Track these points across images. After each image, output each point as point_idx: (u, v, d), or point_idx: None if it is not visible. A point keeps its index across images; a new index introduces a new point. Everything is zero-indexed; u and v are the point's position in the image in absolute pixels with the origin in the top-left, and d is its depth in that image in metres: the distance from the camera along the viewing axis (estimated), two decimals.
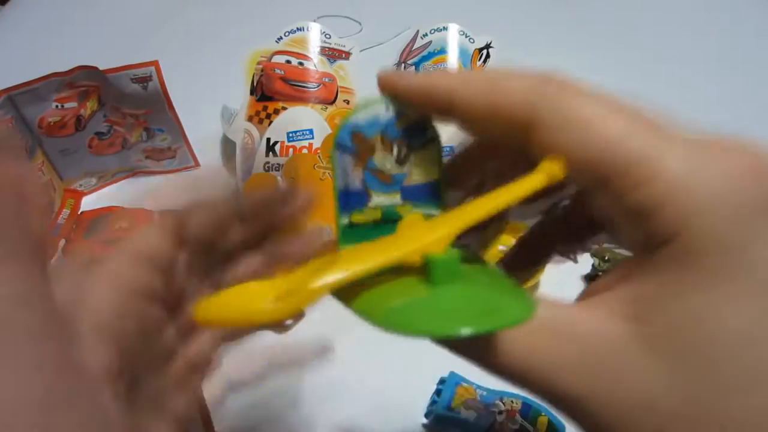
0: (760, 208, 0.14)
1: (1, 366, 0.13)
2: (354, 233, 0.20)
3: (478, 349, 0.17)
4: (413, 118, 0.20)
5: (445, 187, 0.21)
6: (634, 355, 0.14)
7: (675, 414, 0.14)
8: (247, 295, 0.16)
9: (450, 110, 0.18)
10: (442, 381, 0.44)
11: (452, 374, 0.44)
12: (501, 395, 0.43)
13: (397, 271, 0.17)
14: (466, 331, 0.14)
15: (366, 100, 0.20)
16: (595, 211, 0.17)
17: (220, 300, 0.17)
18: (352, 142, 0.20)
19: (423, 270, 0.17)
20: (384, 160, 0.20)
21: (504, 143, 0.19)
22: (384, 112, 0.20)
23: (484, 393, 0.43)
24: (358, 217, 0.20)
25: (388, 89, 0.19)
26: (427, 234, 0.17)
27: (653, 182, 0.15)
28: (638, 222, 0.15)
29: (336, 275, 0.16)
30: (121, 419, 0.19)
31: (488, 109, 0.17)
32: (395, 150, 0.20)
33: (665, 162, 0.15)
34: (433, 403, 0.44)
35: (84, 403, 0.15)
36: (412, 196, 0.21)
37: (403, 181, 0.21)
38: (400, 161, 0.20)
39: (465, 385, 0.44)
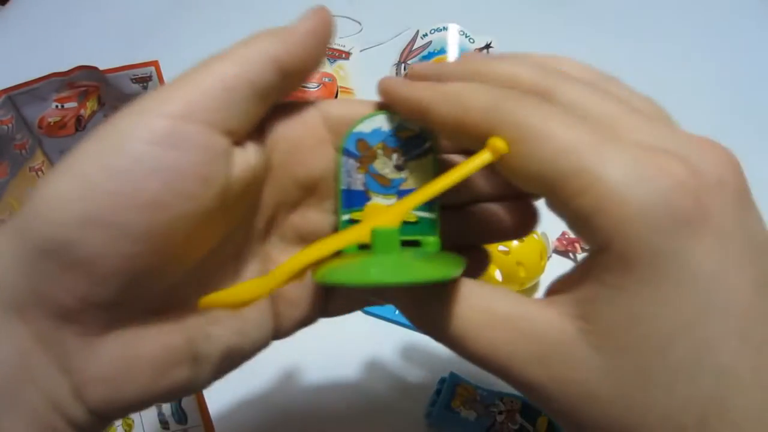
0: (687, 220, 0.15)
1: None
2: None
3: (450, 337, 0.19)
4: (413, 129, 0.22)
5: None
6: (579, 351, 0.16)
7: (612, 403, 0.16)
8: (243, 285, 0.19)
9: (429, 123, 0.20)
10: (442, 381, 0.44)
11: (452, 374, 0.44)
12: (501, 395, 0.43)
13: (359, 249, 0.21)
14: (371, 278, 0.17)
15: (372, 111, 0.23)
16: (551, 210, 0.19)
17: (222, 293, 0.19)
18: (356, 149, 0.23)
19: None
20: (384, 166, 0.23)
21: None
22: (386, 123, 0.22)
23: (484, 393, 0.43)
24: (357, 215, 0.23)
25: (385, 97, 0.22)
26: (380, 216, 0.20)
27: (587, 192, 0.16)
28: (580, 228, 0.17)
29: (301, 257, 0.19)
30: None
31: (455, 124, 0.19)
32: (394, 158, 0.23)
33: (603, 173, 0.16)
34: (433, 403, 0.44)
35: None
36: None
37: (400, 186, 0.23)
38: (399, 168, 0.23)
39: (465, 385, 0.44)
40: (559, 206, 0.17)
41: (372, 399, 0.46)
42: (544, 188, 0.17)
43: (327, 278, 0.18)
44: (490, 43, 0.63)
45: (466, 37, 0.64)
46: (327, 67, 0.64)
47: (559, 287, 0.19)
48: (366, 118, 0.22)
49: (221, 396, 0.45)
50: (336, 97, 0.63)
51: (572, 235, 0.54)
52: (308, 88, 0.62)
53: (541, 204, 0.61)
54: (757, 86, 0.73)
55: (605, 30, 0.83)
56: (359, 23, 0.82)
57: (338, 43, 0.66)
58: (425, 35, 0.65)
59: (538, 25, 0.84)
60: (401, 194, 0.23)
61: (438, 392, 0.44)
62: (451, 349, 0.19)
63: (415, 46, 0.65)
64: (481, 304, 0.18)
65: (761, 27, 0.82)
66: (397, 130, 0.22)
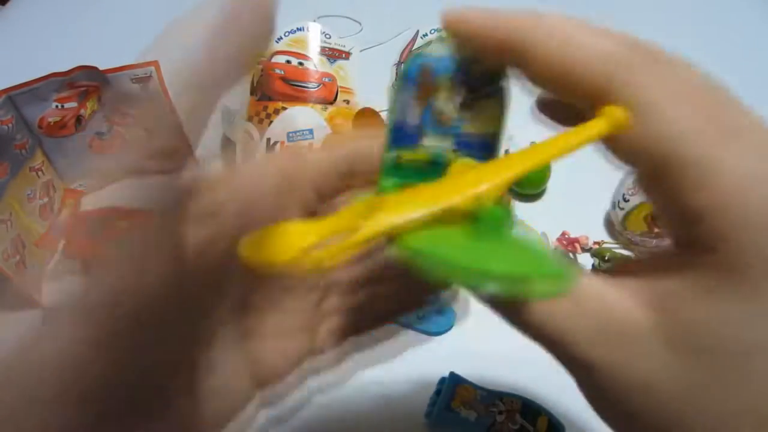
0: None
1: None
2: (398, 171, 0.20)
3: (502, 301, 0.17)
4: (486, 65, 0.19)
5: (502, 142, 0.20)
6: (649, 342, 0.15)
7: (673, 398, 0.15)
8: (291, 235, 0.15)
9: (519, 62, 0.17)
10: (442, 381, 0.44)
11: (452, 374, 0.44)
12: (501, 395, 0.43)
13: (444, 217, 0.16)
14: (494, 288, 0.14)
15: (443, 35, 0.18)
16: (645, 192, 0.17)
17: (265, 240, 0.16)
18: (419, 77, 0.19)
19: (472, 218, 0.16)
20: (447, 102, 0.19)
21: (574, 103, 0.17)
22: (458, 51, 0.18)
23: (484, 393, 0.43)
24: (407, 155, 0.20)
25: (454, 31, 0.18)
26: (479, 181, 0.16)
27: (707, 187, 0.14)
28: (686, 224, 0.15)
29: (390, 219, 0.15)
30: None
31: (561, 67, 0.16)
32: (461, 94, 0.19)
33: (725, 167, 0.14)
34: (433, 403, 0.44)
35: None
36: (466, 145, 0.20)
37: (462, 127, 0.19)
38: (463, 107, 0.19)
39: (465, 385, 0.44)
40: (663, 192, 0.15)
41: (372, 399, 0.46)
42: (650, 169, 0.15)
43: (429, 258, 0.15)
44: None
45: None
46: (327, 67, 0.64)
47: (630, 270, 0.17)
48: (435, 42, 0.18)
49: None
50: (336, 96, 0.63)
51: (572, 235, 0.54)
52: (308, 88, 0.62)
53: (541, 205, 0.60)
54: (757, 85, 0.73)
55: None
56: (359, 23, 0.82)
57: (338, 43, 0.66)
58: (425, 35, 0.65)
59: None
60: (459, 138, 0.19)
61: (438, 392, 0.44)
62: (501, 313, 0.17)
63: (415, 46, 0.65)
64: None
65: (762, 26, 0.82)
66: (469, 63, 0.18)
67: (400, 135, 0.20)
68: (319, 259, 0.15)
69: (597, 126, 0.15)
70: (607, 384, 0.16)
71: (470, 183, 0.16)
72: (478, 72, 0.19)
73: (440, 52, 0.18)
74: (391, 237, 0.16)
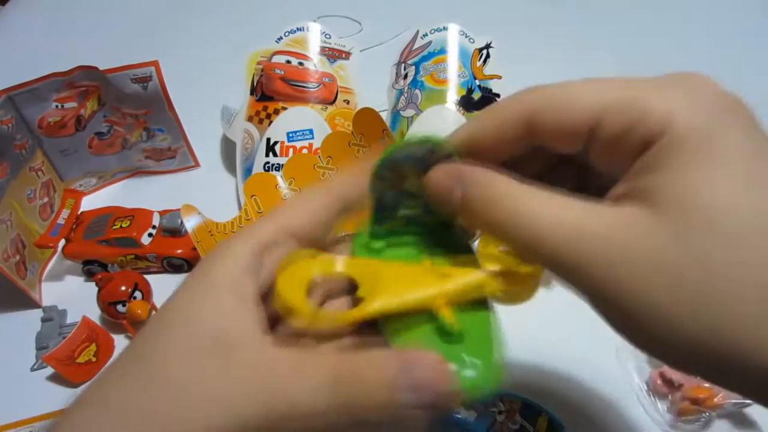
0: (724, 108, 0.19)
1: None
2: (384, 235, 0.26)
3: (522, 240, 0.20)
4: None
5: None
6: (649, 228, 0.18)
7: (678, 265, 0.17)
8: (299, 270, 0.23)
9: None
10: None
11: None
12: (501, 395, 0.43)
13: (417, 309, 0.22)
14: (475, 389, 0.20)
15: (405, 140, 0.24)
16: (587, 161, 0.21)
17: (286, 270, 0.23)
18: (388, 174, 0.24)
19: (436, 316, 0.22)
20: (412, 185, 0.24)
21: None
22: (418, 149, 0.23)
23: None
24: (388, 225, 0.26)
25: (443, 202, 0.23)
26: (442, 285, 0.22)
27: (645, 104, 0.19)
28: (630, 137, 0.19)
29: (381, 304, 0.22)
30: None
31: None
32: (423, 178, 0.24)
33: (649, 97, 0.19)
34: None
35: None
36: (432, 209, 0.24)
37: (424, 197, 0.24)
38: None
39: None
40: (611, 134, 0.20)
41: None
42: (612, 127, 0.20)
43: (401, 341, 0.22)
44: (490, 43, 0.63)
45: (466, 37, 0.64)
46: (327, 67, 0.64)
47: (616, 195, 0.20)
48: (399, 145, 0.24)
49: None
50: (336, 96, 0.63)
51: None
52: (308, 88, 0.62)
53: None
54: (756, 85, 0.73)
55: (605, 29, 0.83)
56: (359, 23, 0.82)
57: (338, 43, 0.66)
58: (425, 35, 0.65)
59: (537, 25, 0.84)
60: (426, 206, 0.24)
61: None
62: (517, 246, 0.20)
63: (415, 46, 0.65)
64: (565, 217, 0.19)
65: (762, 26, 0.82)
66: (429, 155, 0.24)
67: (381, 214, 0.25)
68: (322, 318, 0.22)
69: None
70: (623, 278, 0.18)
71: (435, 285, 0.22)
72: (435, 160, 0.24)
73: (404, 153, 0.23)
74: (380, 317, 0.22)
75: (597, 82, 0.20)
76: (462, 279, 0.22)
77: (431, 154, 0.24)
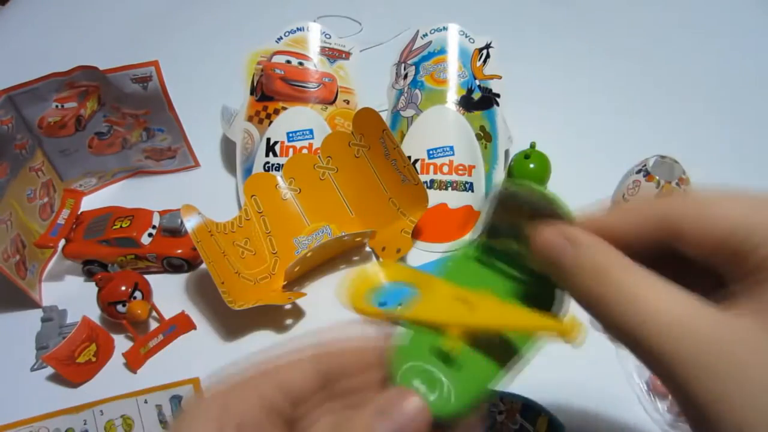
0: None
1: None
2: (496, 253, 0.27)
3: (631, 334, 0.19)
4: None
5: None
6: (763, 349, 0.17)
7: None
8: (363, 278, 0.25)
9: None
10: None
11: None
12: (501, 395, 0.43)
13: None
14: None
15: (531, 185, 0.24)
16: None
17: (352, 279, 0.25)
18: (509, 204, 0.25)
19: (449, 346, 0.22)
20: (524, 227, 0.25)
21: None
22: (540, 199, 0.24)
23: None
24: (501, 243, 0.27)
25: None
26: (472, 316, 0.23)
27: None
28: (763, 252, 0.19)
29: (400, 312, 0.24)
30: None
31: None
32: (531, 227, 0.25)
33: None
34: None
35: None
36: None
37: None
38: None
39: None
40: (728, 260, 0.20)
41: None
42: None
43: (401, 381, 0.22)
44: (490, 43, 0.63)
45: (466, 37, 0.64)
46: (327, 67, 0.64)
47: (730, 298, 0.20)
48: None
49: None
50: (336, 96, 0.63)
51: None
52: (308, 87, 0.62)
53: None
54: (755, 84, 0.73)
55: (605, 30, 0.83)
56: (359, 23, 0.82)
57: (338, 43, 0.66)
58: (425, 35, 0.65)
59: (538, 25, 0.84)
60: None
61: None
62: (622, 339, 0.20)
63: (415, 46, 0.65)
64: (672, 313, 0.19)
65: (762, 27, 0.82)
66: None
67: (494, 234, 0.26)
68: (374, 314, 0.24)
69: (550, 325, 0.21)
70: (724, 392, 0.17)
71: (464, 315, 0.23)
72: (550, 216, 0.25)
73: (530, 195, 0.24)
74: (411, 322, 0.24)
75: (745, 201, 0.20)
76: (495, 320, 0.23)
77: (551, 211, 0.24)
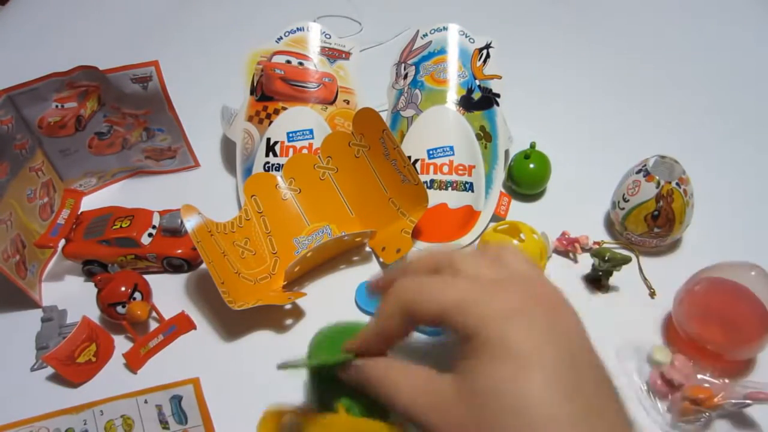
0: (514, 312, 0.25)
1: None
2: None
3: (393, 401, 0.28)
4: None
5: None
6: (450, 403, 0.25)
7: (462, 426, 0.24)
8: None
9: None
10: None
11: None
12: None
13: None
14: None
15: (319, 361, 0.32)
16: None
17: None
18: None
19: None
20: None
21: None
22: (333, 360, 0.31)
23: None
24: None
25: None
26: None
27: (471, 309, 0.25)
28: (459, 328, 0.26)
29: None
30: None
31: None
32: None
33: (476, 307, 0.25)
34: None
35: None
36: None
37: None
38: None
39: None
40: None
41: None
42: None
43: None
44: (490, 43, 0.63)
45: (466, 37, 0.64)
46: (327, 67, 0.64)
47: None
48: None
49: (221, 396, 0.45)
50: (336, 96, 0.63)
51: (572, 235, 0.54)
52: (308, 87, 0.62)
53: (541, 205, 0.60)
54: (754, 84, 0.73)
55: (605, 30, 0.83)
56: (359, 23, 0.82)
57: (338, 43, 0.66)
58: (425, 35, 0.65)
59: (538, 25, 0.84)
60: None
61: None
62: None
63: (415, 46, 0.65)
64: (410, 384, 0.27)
65: (762, 28, 0.82)
66: None
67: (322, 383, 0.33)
68: None
69: None
70: (432, 424, 0.25)
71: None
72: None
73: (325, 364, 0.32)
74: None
75: (446, 284, 0.27)
76: None
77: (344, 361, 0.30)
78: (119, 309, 0.48)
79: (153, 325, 0.50)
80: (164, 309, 0.50)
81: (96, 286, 0.49)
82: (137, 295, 0.49)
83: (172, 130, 0.60)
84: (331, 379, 0.31)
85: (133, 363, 0.48)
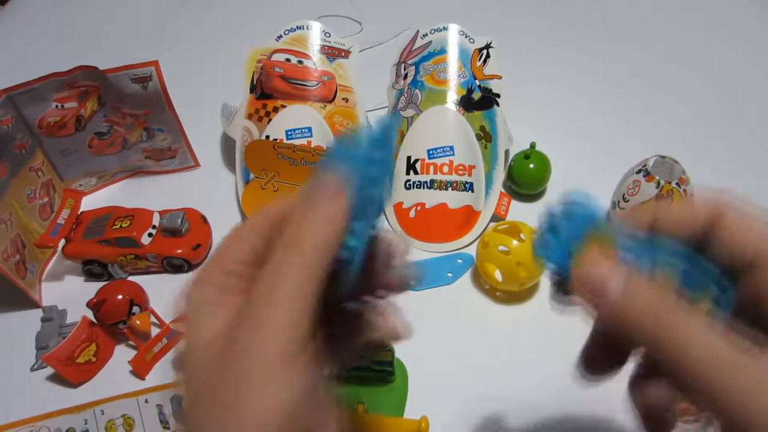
0: None
1: None
2: None
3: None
4: None
5: None
6: None
7: None
8: None
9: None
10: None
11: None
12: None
13: None
14: None
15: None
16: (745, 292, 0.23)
17: None
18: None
19: None
20: None
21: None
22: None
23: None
24: None
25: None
26: None
27: None
28: None
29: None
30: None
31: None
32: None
33: None
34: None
35: None
36: None
37: None
38: None
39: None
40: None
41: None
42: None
43: None
44: (490, 43, 0.63)
45: (466, 37, 0.63)
46: (327, 66, 0.64)
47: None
48: None
49: None
50: (335, 95, 0.63)
51: None
52: (308, 86, 0.62)
53: (541, 204, 0.60)
54: (754, 84, 0.73)
55: (605, 29, 0.83)
56: (359, 23, 0.82)
57: (338, 41, 0.66)
58: (425, 35, 0.65)
59: (538, 25, 0.84)
60: None
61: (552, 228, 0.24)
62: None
63: (415, 46, 0.65)
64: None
65: (761, 28, 0.82)
66: None
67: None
68: None
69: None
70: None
71: None
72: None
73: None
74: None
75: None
76: None
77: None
78: (120, 326, 0.48)
79: (154, 329, 0.50)
80: (164, 309, 0.50)
81: (91, 309, 0.48)
82: (135, 309, 0.49)
83: (172, 130, 0.60)
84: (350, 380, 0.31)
85: (141, 369, 0.48)
